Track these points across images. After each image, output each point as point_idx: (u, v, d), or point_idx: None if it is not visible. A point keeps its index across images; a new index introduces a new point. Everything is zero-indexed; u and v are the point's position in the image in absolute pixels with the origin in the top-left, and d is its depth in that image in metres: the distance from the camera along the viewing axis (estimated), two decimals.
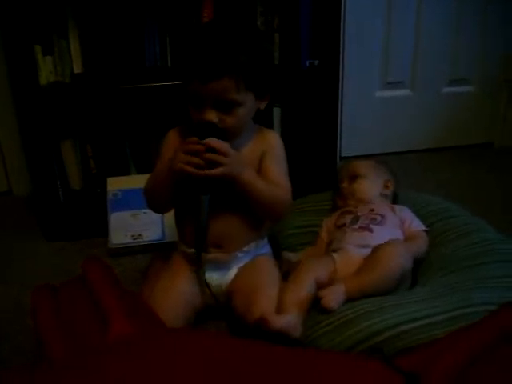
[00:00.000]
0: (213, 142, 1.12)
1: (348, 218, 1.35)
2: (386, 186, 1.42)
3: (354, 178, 1.42)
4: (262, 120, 1.77)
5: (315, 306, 1.12)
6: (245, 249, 1.26)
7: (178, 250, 1.31)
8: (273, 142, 1.27)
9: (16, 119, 1.86)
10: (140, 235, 1.57)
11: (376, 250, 1.19)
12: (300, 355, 0.95)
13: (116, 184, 1.66)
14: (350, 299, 1.11)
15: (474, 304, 1.02)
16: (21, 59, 1.53)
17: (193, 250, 1.22)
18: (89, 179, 1.75)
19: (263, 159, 1.24)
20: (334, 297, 1.10)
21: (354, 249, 1.24)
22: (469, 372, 0.83)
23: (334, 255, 1.25)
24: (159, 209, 1.34)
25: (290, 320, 1.07)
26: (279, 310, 1.12)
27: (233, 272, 1.26)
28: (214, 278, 1.25)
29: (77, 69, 1.66)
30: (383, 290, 1.13)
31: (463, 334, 0.94)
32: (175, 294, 1.20)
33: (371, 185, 1.41)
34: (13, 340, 1.23)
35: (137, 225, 1.58)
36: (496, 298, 1.04)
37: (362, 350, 0.98)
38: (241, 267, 1.26)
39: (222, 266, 1.26)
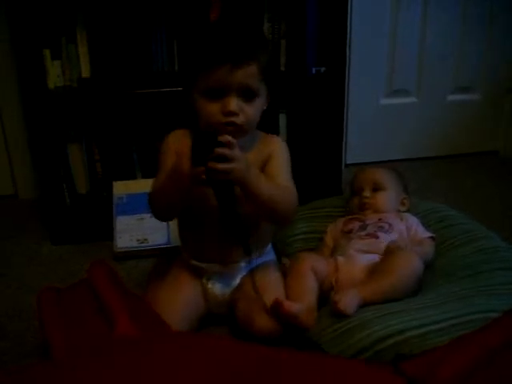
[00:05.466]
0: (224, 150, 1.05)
1: (356, 225, 1.36)
2: (403, 203, 1.42)
3: (376, 188, 1.41)
4: (269, 126, 1.77)
5: (323, 311, 1.13)
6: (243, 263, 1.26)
7: (181, 257, 1.32)
8: (278, 146, 1.26)
9: (24, 123, 1.88)
10: (145, 239, 1.58)
11: (390, 254, 1.19)
12: (305, 360, 0.95)
13: (122, 188, 1.67)
14: (368, 303, 1.11)
15: (478, 311, 1.03)
16: (30, 63, 1.54)
17: (194, 261, 1.25)
18: (95, 183, 1.76)
19: (269, 163, 1.23)
20: (348, 301, 1.10)
21: (358, 254, 1.25)
22: (473, 378, 0.83)
23: (339, 258, 1.26)
24: (166, 216, 1.28)
25: (302, 307, 1.11)
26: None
27: (236, 281, 1.27)
28: (217, 287, 1.26)
29: (85, 73, 1.67)
30: (399, 296, 1.13)
31: (467, 340, 0.94)
32: (179, 303, 1.21)
33: (392, 200, 1.41)
34: (17, 340, 1.24)
35: (142, 229, 1.59)
36: (500, 305, 1.04)
37: (368, 355, 0.99)
38: (244, 275, 1.26)
39: (226, 276, 1.26)
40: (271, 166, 1.23)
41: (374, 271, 1.18)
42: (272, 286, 1.20)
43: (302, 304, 1.13)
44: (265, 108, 1.22)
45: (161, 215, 1.25)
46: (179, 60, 1.70)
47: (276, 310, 1.12)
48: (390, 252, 1.20)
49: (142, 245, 1.57)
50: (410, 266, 1.16)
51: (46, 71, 1.60)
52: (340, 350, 1.02)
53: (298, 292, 1.17)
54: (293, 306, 1.11)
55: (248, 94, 1.13)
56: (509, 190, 2.00)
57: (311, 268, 1.20)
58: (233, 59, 1.10)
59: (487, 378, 0.83)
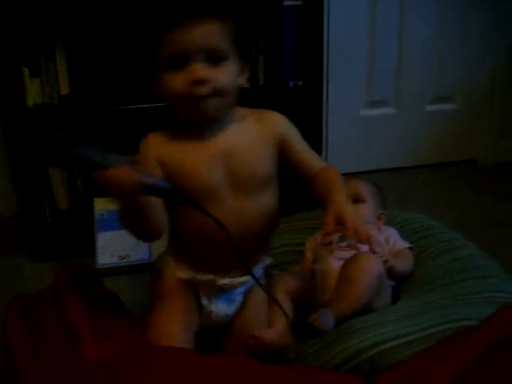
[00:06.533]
0: None
1: (335, 236, 1.36)
2: (380, 218, 1.43)
3: (356, 200, 1.40)
4: None
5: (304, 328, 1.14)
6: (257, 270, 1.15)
7: (167, 274, 1.15)
8: (284, 122, 1.13)
9: (3, 139, 1.87)
10: (127, 255, 1.58)
11: (347, 263, 1.20)
12: (283, 371, 0.96)
13: (103, 204, 1.67)
14: (341, 318, 1.11)
15: (452, 320, 1.04)
16: (8, 81, 1.55)
17: (192, 271, 1.11)
18: (76, 199, 1.76)
19: (291, 148, 1.11)
20: (323, 320, 1.10)
21: (335, 261, 1.27)
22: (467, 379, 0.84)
23: (315, 267, 1.28)
24: (146, 237, 1.09)
25: (273, 333, 1.12)
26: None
27: (239, 299, 1.16)
28: (220, 307, 1.14)
29: (64, 90, 1.68)
30: (367, 302, 1.14)
31: (444, 348, 0.95)
32: (175, 324, 1.09)
33: (370, 213, 1.40)
34: None
35: (123, 245, 1.59)
36: (475, 313, 1.05)
37: (346, 368, 1.00)
38: (247, 295, 1.16)
39: (230, 293, 1.15)
40: (297, 151, 1.11)
41: (338, 286, 1.19)
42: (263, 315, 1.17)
43: (275, 329, 1.14)
44: (242, 81, 1.07)
45: (140, 237, 1.07)
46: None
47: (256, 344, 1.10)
48: (347, 260, 1.21)
49: (124, 261, 1.58)
50: (366, 271, 1.16)
51: (25, 89, 1.61)
52: (322, 362, 1.03)
53: (271, 317, 1.17)
54: (268, 335, 1.11)
55: (213, 58, 0.99)
56: (487, 198, 2.03)
57: (284, 291, 1.21)
58: (185, 15, 0.97)
59: (482, 379, 0.84)
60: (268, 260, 1.21)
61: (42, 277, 1.58)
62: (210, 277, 1.11)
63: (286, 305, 1.19)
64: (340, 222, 0.96)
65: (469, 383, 0.83)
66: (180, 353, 1.01)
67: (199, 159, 1.05)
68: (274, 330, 1.14)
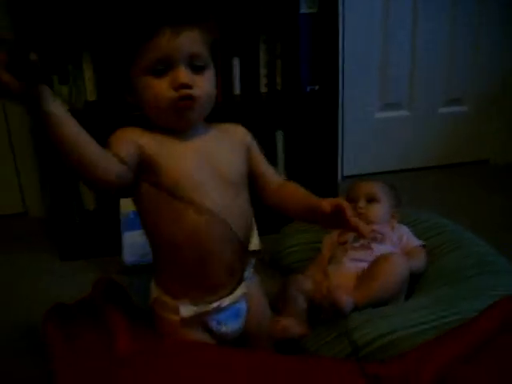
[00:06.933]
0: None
1: (350, 236, 1.41)
2: (393, 217, 1.47)
3: (371, 200, 1.45)
4: (266, 142, 1.85)
5: (316, 323, 1.21)
6: (246, 273, 1.11)
7: (169, 318, 1.06)
8: (248, 134, 1.13)
9: (33, 144, 1.95)
10: None
11: (378, 260, 1.26)
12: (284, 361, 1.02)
13: (129, 204, 1.73)
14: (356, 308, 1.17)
15: (462, 312, 1.09)
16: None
17: (192, 306, 1.04)
18: (102, 200, 1.82)
19: (255, 159, 1.11)
20: (345, 298, 1.15)
21: (350, 262, 1.32)
22: (454, 373, 0.89)
23: (329, 267, 1.33)
24: (93, 177, 0.94)
25: (292, 320, 1.18)
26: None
27: (243, 307, 1.11)
28: (230, 325, 1.09)
29: (90, 97, 1.75)
30: (387, 297, 1.20)
31: (447, 338, 1.00)
32: None
33: (384, 212, 1.45)
34: (24, 356, 1.24)
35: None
36: (484, 306, 1.09)
37: (360, 356, 1.05)
38: (248, 305, 1.12)
39: (234, 307, 1.08)
40: (260, 162, 1.12)
41: (362, 277, 1.25)
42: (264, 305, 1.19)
43: (291, 318, 1.20)
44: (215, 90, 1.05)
45: (81, 176, 0.95)
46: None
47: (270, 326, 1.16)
48: (378, 257, 1.27)
49: (148, 259, 1.63)
50: (395, 268, 1.23)
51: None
52: (334, 353, 1.09)
53: (288, 311, 1.23)
54: (285, 321, 1.19)
55: (196, 66, 0.99)
56: (499, 197, 2.05)
57: (299, 290, 1.26)
58: (172, 22, 0.96)
59: (469, 373, 0.89)
60: (253, 260, 1.15)
61: (71, 274, 1.65)
62: (213, 305, 1.05)
63: (300, 302, 1.24)
64: (338, 207, 0.96)
65: (470, 366, 0.88)
66: (203, 347, 1.05)
67: (184, 155, 1.02)
68: (290, 318, 1.20)
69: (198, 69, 0.99)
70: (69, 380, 0.97)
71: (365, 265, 1.29)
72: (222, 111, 1.63)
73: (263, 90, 1.88)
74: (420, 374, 0.90)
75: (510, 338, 0.93)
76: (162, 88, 0.97)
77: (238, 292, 1.07)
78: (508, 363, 0.90)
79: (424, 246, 1.40)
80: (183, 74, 0.96)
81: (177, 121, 1.01)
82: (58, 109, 0.88)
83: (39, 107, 0.85)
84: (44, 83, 0.85)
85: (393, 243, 1.38)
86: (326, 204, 0.97)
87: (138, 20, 0.99)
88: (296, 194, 1.10)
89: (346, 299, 1.15)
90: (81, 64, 1.71)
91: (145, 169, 0.99)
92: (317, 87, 1.83)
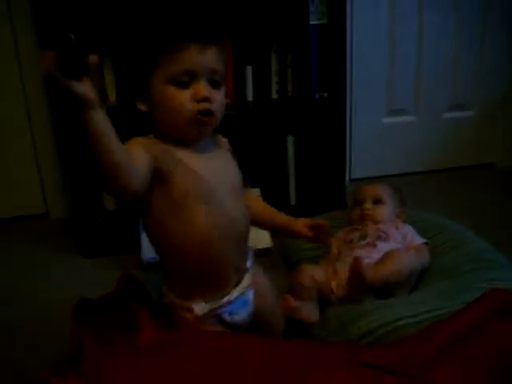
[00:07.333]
0: None
1: (356, 235, 1.47)
2: (398, 216, 1.54)
3: (377, 201, 1.53)
4: (278, 147, 1.92)
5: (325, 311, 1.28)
6: (248, 263, 1.16)
7: (185, 317, 1.09)
8: (228, 143, 1.18)
9: (55, 147, 2.03)
10: None
11: (391, 251, 1.35)
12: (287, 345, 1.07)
13: None
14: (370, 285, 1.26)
15: (458, 303, 1.15)
16: (60, 92, 1.68)
17: (204, 303, 1.07)
18: (121, 201, 1.85)
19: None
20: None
21: None
22: (441, 361, 0.95)
23: (337, 264, 1.40)
24: (113, 172, 0.92)
25: (302, 303, 1.27)
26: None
27: (251, 294, 1.15)
28: (242, 314, 1.13)
29: (111, 101, 1.81)
30: (399, 281, 1.29)
31: (433, 329, 1.05)
32: None
33: (389, 212, 1.52)
34: (53, 345, 1.30)
35: None
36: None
37: (369, 340, 1.12)
38: (254, 294, 1.16)
39: (243, 296, 1.13)
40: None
41: (378, 263, 1.32)
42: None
43: (303, 302, 1.29)
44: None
45: (101, 171, 0.92)
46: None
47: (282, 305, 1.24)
48: (388, 252, 1.35)
49: None
50: (408, 256, 1.33)
51: None
52: (340, 339, 1.16)
53: (299, 296, 1.31)
54: (295, 302, 1.27)
55: (215, 81, 1.03)
56: (504, 200, 2.09)
57: (310, 277, 1.34)
58: (202, 38, 1.00)
59: (455, 362, 0.95)
60: (252, 252, 1.19)
61: (93, 271, 1.72)
62: (224, 300, 1.08)
63: (311, 288, 1.32)
64: (312, 226, 1.16)
65: (466, 346, 0.95)
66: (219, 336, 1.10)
67: (196, 165, 1.04)
68: (300, 301, 1.28)
69: (215, 84, 1.03)
70: (98, 367, 1.03)
71: (370, 261, 1.35)
72: (236, 117, 1.73)
73: (274, 96, 1.94)
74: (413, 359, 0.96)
75: (496, 324, 1.00)
76: (184, 99, 1.00)
77: (244, 283, 1.12)
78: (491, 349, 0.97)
79: (427, 243, 1.45)
80: (206, 88, 1.00)
81: (193, 132, 1.04)
82: (99, 112, 0.89)
83: (85, 107, 0.86)
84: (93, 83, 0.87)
85: (397, 241, 1.44)
86: (306, 230, 1.17)
87: (170, 33, 1.02)
88: (259, 206, 1.22)
89: (366, 267, 1.24)
90: (102, 69, 1.76)
91: (156, 178, 1.01)
92: (326, 94, 1.89)
